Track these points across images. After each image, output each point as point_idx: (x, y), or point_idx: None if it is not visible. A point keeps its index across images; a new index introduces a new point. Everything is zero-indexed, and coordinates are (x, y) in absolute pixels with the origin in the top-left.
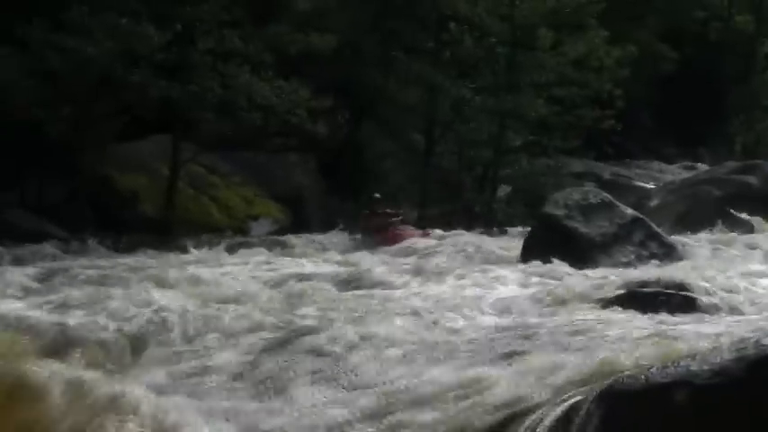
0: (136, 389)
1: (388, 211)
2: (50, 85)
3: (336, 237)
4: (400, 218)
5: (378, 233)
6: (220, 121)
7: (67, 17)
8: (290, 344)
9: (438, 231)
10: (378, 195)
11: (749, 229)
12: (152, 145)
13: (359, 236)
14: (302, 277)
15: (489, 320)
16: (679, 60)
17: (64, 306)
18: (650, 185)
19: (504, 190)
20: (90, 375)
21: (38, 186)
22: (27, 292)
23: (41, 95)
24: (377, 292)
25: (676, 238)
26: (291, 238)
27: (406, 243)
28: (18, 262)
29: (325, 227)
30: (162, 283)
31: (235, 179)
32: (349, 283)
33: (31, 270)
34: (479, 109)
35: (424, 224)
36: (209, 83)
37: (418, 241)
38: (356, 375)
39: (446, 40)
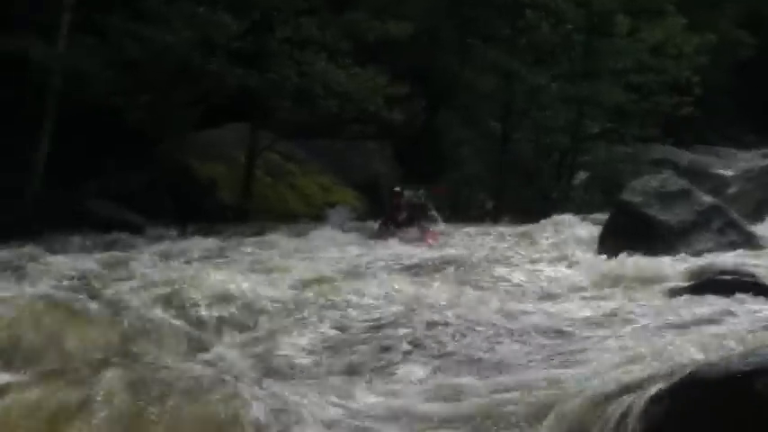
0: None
1: (413, 201)
2: (129, 74)
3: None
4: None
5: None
6: (297, 109)
7: (145, 6)
8: (367, 330)
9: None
10: (398, 189)
11: None
12: (230, 133)
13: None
14: (370, 265)
15: (567, 308)
16: (758, 46)
17: (146, 294)
18: (728, 173)
19: (580, 177)
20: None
21: (117, 175)
22: (107, 280)
23: (120, 84)
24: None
25: (755, 226)
26: (366, 225)
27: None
28: (97, 249)
29: None
30: (240, 270)
31: (311, 167)
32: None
33: (109, 257)
34: (556, 96)
35: (500, 211)
36: (286, 71)
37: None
38: (439, 361)
39: (522, 27)
